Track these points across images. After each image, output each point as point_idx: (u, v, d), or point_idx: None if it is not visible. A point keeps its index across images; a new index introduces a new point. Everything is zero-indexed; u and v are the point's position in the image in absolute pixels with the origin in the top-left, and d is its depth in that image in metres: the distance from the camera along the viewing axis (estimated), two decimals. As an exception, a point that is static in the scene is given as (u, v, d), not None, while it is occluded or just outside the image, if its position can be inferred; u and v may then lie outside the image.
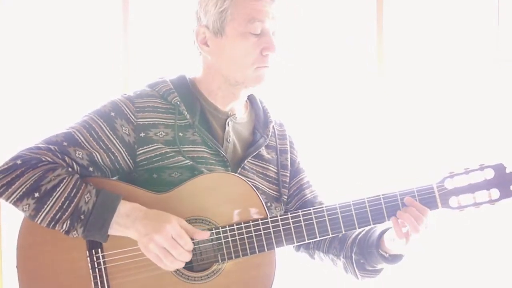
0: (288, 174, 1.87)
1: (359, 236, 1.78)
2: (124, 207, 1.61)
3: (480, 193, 1.64)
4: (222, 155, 1.73)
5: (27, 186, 1.59)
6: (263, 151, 1.81)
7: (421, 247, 1.75)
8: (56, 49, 3.26)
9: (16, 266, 1.67)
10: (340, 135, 3.29)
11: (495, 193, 1.64)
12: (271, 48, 1.70)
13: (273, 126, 1.86)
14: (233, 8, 1.68)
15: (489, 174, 1.64)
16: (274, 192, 1.82)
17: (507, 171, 1.64)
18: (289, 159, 1.88)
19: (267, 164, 1.82)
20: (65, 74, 3.27)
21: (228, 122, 1.78)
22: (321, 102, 3.28)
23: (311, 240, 1.68)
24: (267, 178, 1.81)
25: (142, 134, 1.68)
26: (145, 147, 1.68)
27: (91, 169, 1.67)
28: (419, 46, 3.28)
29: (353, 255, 1.77)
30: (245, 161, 1.76)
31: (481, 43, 3.25)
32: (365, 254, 1.75)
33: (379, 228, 1.75)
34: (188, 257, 1.60)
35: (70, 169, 1.64)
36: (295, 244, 1.67)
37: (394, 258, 1.73)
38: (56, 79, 3.26)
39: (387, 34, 3.27)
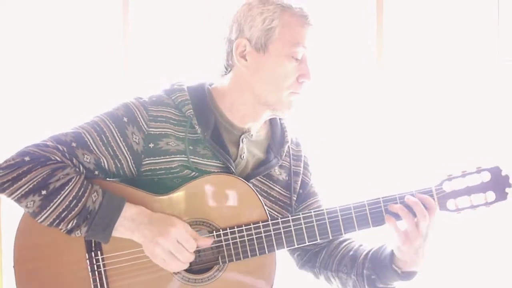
0: (295, 198, 1.83)
1: (372, 251, 1.75)
2: (130, 210, 1.61)
3: (477, 196, 1.65)
4: (231, 170, 1.70)
5: (34, 183, 1.58)
6: (274, 171, 1.78)
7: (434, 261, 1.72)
8: (56, 49, 3.26)
9: (13, 267, 1.66)
10: (339, 136, 3.28)
11: (490, 195, 1.65)
12: (308, 76, 1.68)
13: (288, 146, 1.82)
14: (281, 28, 1.65)
15: (486, 177, 1.65)
16: (275, 213, 1.78)
17: (503, 174, 1.65)
18: (299, 182, 1.84)
19: (274, 184, 1.78)
20: (65, 74, 3.27)
21: (242, 139, 1.74)
22: (320, 102, 3.27)
23: (311, 243, 1.68)
24: (271, 198, 1.78)
25: (151, 145, 1.66)
26: (151, 158, 1.67)
27: (96, 172, 1.66)
28: (419, 46, 3.27)
29: (364, 270, 1.73)
30: (252, 179, 1.73)
31: (482, 43, 3.24)
32: (377, 269, 1.71)
33: (391, 244, 1.71)
34: (192, 258, 1.61)
35: (77, 169, 1.64)
36: (296, 246, 1.67)
37: (407, 275, 1.69)
38: (56, 79, 3.26)
39: (387, 34, 3.26)
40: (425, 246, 1.63)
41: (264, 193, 1.76)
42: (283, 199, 1.80)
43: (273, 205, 1.78)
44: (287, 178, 1.81)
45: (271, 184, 1.78)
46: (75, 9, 3.25)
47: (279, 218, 1.67)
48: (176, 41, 3.26)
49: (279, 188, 1.80)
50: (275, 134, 1.81)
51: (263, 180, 1.76)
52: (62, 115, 3.17)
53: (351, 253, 1.78)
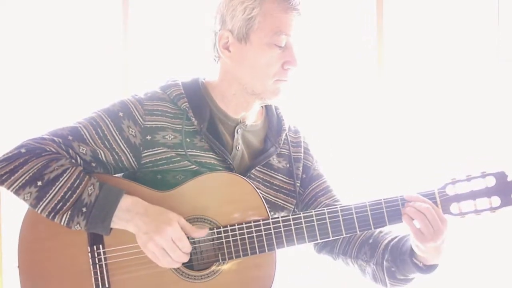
0: (298, 184, 1.83)
1: (392, 243, 1.73)
2: (125, 201, 1.61)
3: (481, 200, 1.63)
4: (229, 162, 1.71)
5: (30, 174, 1.59)
6: (273, 160, 1.79)
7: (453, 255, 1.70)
8: (56, 49, 3.27)
9: (18, 262, 1.66)
10: (340, 136, 3.29)
11: (495, 200, 1.63)
12: (293, 62, 1.68)
13: (286, 134, 1.83)
14: (261, 17, 1.65)
15: (491, 181, 1.63)
16: (281, 201, 1.79)
17: (509, 179, 1.63)
18: (301, 168, 1.84)
19: (275, 173, 1.79)
20: (65, 74, 3.27)
21: (237, 130, 1.76)
22: (320, 102, 3.28)
23: (311, 242, 1.68)
24: (274, 187, 1.78)
25: (149, 137, 1.68)
26: (150, 150, 1.68)
27: (93, 164, 1.67)
28: (419, 46, 3.28)
29: (384, 262, 1.72)
30: (252, 170, 1.74)
31: (482, 43, 3.25)
32: (397, 262, 1.70)
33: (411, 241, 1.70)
34: (185, 258, 1.61)
35: (73, 161, 1.65)
36: (296, 245, 1.67)
37: (428, 268, 1.68)
38: (56, 78, 3.27)
39: (387, 34, 3.27)
40: (443, 243, 1.62)
41: (266, 183, 1.77)
42: (286, 187, 1.81)
43: (278, 193, 1.79)
44: (287, 165, 1.82)
45: (272, 173, 1.79)
46: (75, 9, 3.26)
47: (280, 217, 1.67)
48: (176, 41, 3.26)
49: (281, 176, 1.80)
50: (272, 124, 1.83)
51: (263, 170, 1.77)
52: (61, 114, 3.18)
53: (370, 241, 1.78)
